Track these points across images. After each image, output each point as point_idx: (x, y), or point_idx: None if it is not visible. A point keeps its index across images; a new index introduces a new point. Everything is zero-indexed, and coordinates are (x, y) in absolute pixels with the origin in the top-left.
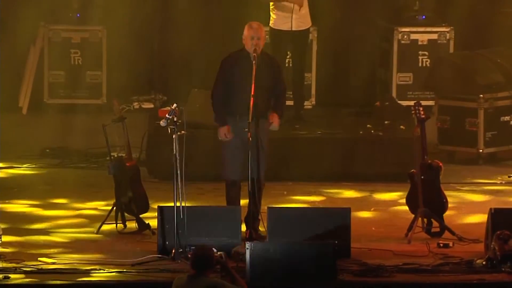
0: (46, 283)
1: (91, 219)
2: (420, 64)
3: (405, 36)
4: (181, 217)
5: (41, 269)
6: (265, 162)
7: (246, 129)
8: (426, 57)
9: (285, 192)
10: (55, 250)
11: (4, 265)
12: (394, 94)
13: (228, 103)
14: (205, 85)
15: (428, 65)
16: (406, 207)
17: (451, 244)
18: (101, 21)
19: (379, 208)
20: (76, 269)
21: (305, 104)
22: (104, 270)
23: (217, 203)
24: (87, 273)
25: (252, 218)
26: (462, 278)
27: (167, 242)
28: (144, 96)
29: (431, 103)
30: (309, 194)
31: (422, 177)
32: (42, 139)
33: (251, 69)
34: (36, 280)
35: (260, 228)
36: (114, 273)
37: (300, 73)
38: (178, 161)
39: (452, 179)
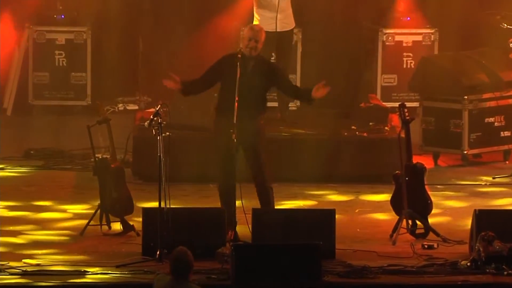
0: (31, 285)
1: (76, 220)
2: (404, 66)
3: (390, 38)
4: (166, 218)
5: (26, 270)
6: (263, 163)
7: (232, 130)
8: (410, 58)
9: None
10: (40, 252)
11: None
12: (378, 96)
13: (220, 103)
14: None
15: (412, 66)
16: (391, 209)
17: (435, 246)
18: (86, 22)
19: (364, 209)
20: (60, 270)
21: (289, 105)
22: (88, 271)
23: (202, 205)
24: (71, 274)
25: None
26: (446, 280)
27: (151, 244)
28: (128, 98)
29: (415, 104)
30: (294, 195)
31: (407, 178)
32: (27, 140)
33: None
34: (20, 281)
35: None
36: (98, 275)
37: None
38: (162, 162)
39: (436, 181)
